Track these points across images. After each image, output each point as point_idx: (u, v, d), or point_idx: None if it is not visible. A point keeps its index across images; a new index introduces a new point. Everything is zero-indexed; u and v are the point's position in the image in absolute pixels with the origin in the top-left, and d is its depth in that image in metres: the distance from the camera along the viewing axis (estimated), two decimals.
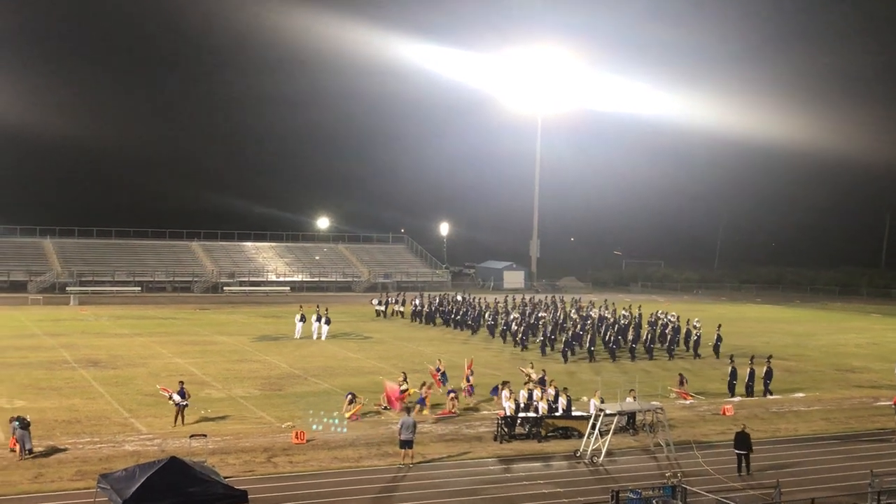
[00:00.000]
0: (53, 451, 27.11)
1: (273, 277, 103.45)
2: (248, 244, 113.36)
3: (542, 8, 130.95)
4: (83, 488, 23.33)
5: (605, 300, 71.39)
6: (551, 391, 32.90)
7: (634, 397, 31.78)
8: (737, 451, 27.32)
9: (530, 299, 73.11)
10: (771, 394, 40.03)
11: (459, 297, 71.36)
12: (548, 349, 51.61)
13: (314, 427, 30.24)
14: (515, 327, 55.73)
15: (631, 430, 31.61)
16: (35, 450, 26.65)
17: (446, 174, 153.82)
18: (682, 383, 39.26)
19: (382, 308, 71.32)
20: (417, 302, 71.03)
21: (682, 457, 28.39)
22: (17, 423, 26.63)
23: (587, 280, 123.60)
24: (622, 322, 58.96)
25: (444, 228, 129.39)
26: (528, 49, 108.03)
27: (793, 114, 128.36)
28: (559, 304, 69.75)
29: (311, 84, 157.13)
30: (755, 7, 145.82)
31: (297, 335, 55.23)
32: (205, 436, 27.11)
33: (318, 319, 55.48)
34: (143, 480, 18.28)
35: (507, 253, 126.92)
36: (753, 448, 27.41)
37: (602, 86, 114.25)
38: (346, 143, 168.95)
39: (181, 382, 32.18)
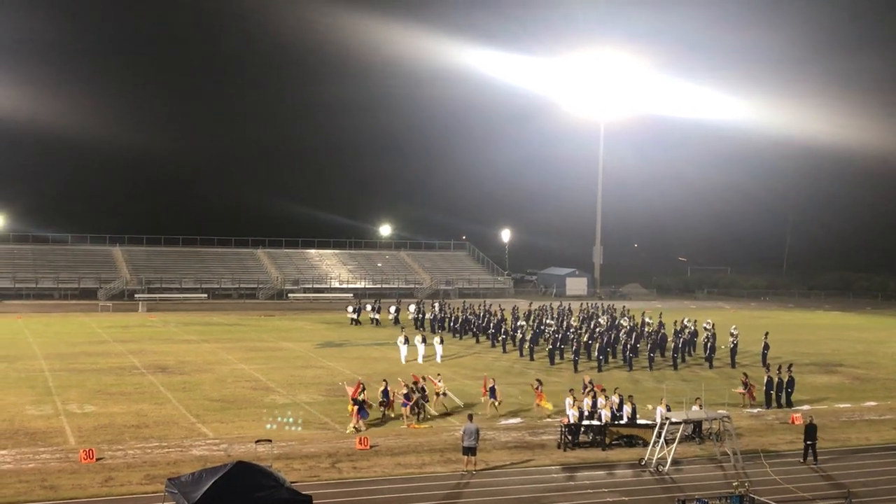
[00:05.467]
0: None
1: (336, 284, 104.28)
2: (312, 251, 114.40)
3: (604, 12, 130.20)
4: (151, 492, 23.69)
5: (617, 306, 70.89)
6: (615, 399, 32.59)
7: (701, 405, 31.35)
8: (806, 442, 28.99)
9: (539, 307, 70.58)
10: (791, 405, 38.17)
11: (436, 306, 70.08)
12: (556, 358, 50.37)
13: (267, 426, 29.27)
14: (521, 335, 54.55)
15: (697, 439, 31.19)
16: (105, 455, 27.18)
17: (508, 180, 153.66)
18: (746, 385, 38.54)
19: (355, 316, 69.39)
20: (413, 308, 70.20)
21: (750, 466, 27.91)
22: None
23: (651, 286, 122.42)
24: (647, 330, 57.63)
25: (506, 235, 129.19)
26: (590, 53, 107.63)
27: (862, 117, 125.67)
28: (567, 313, 67.46)
29: (373, 91, 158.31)
30: (822, 9, 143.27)
31: (403, 360, 49.18)
32: (270, 441, 27.34)
33: (423, 341, 51.02)
34: (209, 484, 18.46)
35: (570, 259, 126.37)
36: (822, 446, 29.46)
37: (666, 90, 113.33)
38: (408, 149, 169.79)
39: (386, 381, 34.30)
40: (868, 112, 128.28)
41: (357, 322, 68.70)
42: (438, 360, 49.65)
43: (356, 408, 31.99)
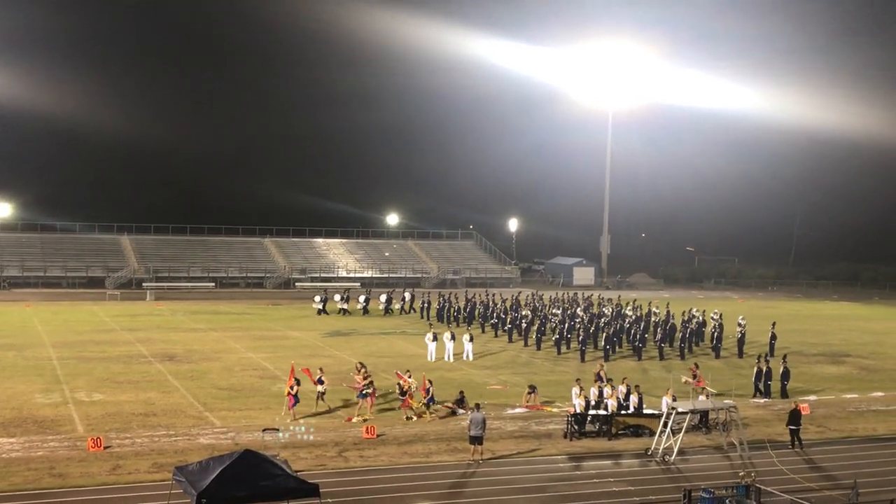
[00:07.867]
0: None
1: (344, 273, 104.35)
2: (320, 240, 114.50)
3: (614, 1, 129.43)
4: (159, 480, 23.76)
5: (617, 296, 70.15)
6: (622, 388, 32.59)
7: (707, 395, 31.34)
8: (790, 427, 29.37)
9: (540, 296, 70.01)
10: (787, 396, 37.45)
11: (407, 295, 70.60)
12: (563, 348, 50.49)
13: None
14: (525, 325, 54.62)
15: (703, 429, 31.18)
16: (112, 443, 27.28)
17: (516, 170, 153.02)
18: (695, 376, 37.89)
19: (321, 306, 68.66)
20: (383, 298, 70.44)
21: (756, 456, 27.91)
22: None
23: (659, 276, 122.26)
24: (654, 320, 57.75)
25: (514, 224, 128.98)
26: (599, 43, 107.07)
27: (872, 106, 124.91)
28: (575, 302, 66.99)
29: (381, 81, 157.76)
30: None
31: (431, 358, 46.00)
32: (277, 430, 27.41)
33: (452, 338, 46.87)
34: (217, 473, 18.52)
35: (577, 249, 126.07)
36: (829, 436, 29.66)
37: (675, 79, 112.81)
38: (416, 139, 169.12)
39: (321, 370, 33.37)
40: (878, 102, 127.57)
41: (324, 312, 68.22)
42: (470, 357, 46.73)
43: (292, 395, 31.72)
